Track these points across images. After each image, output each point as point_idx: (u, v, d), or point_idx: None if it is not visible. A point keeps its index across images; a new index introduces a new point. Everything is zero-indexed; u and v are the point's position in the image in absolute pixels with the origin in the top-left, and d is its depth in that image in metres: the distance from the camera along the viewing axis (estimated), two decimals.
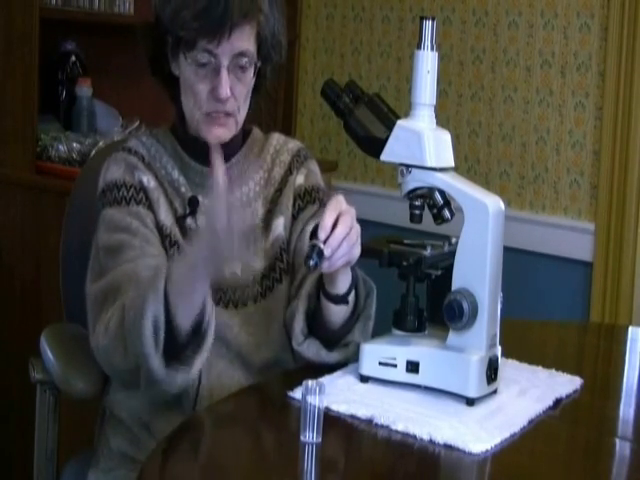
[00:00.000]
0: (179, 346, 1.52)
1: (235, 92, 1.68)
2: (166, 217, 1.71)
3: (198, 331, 1.53)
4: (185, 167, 1.76)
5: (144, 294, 1.49)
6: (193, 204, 1.72)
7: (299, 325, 1.65)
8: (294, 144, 1.87)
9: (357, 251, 1.54)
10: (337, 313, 1.64)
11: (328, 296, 1.62)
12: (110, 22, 2.98)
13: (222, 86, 1.65)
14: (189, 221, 1.72)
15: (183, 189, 1.74)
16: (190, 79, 1.68)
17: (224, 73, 1.65)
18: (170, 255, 1.68)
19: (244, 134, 1.82)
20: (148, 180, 1.71)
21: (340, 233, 1.48)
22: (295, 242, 1.78)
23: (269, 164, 1.83)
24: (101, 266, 1.66)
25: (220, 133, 1.70)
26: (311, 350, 1.65)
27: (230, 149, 1.77)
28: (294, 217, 1.80)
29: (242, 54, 1.67)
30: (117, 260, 1.63)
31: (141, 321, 1.47)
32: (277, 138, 1.87)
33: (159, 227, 1.70)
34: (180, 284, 1.48)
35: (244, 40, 1.66)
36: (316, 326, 1.67)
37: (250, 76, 1.70)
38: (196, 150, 1.75)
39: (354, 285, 1.64)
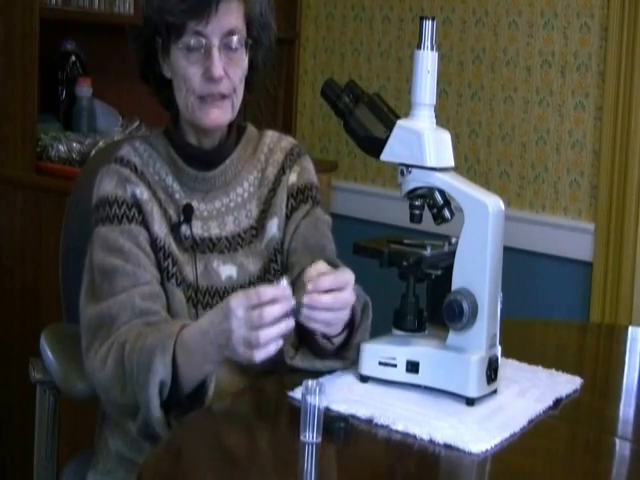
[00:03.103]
0: (179, 398, 1.53)
1: (229, 73, 1.67)
2: (160, 228, 1.69)
3: (199, 387, 1.54)
4: (179, 172, 1.74)
5: (151, 351, 1.50)
6: (187, 211, 1.72)
7: (289, 339, 1.62)
8: (287, 142, 1.85)
9: (337, 326, 1.54)
10: (327, 343, 1.62)
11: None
12: (110, 22, 2.97)
13: (215, 65, 1.64)
14: (184, 228, 1.71)
15: (177, 195, 1.73)
16: (182, 66, 1.67)
17: (215, 52, 1.65)
18: (164, 268, 1.68)
19: (238, 132, 1.80)
20: (141, 192, 1.69)
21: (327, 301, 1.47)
22: (288, 242, 1.77)
23: (263, 164, 1.81)
24: (95, 287, 1.66)
25: (217, 116, 1.69)
26: (305, 362, 1.62)
27: (225, 149, 1.76)
28: (287, 217, 1.78)
29: (231, 32, 1.66)
30: (111, 286, 1.63)
31: (147, 380, 1.49)
32: (271, 136, 1.85)
33: (153, 240, 1.68)
34: (191, 353, 1.49)
35: (232, 17, 1.66)
36: (308, 342, 1.63)
37: (242, 57, 1.69)
38: (190, 155, 1.74)
39: (347, 326, 1.61)
